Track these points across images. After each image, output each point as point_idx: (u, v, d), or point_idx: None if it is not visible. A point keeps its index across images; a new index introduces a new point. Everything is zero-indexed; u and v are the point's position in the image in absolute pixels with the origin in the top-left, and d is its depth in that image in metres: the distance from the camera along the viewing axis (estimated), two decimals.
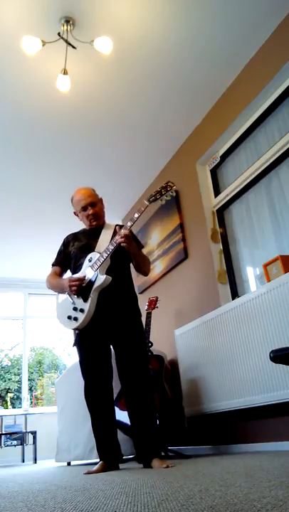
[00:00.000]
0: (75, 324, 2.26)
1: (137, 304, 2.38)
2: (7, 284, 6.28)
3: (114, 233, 2.34)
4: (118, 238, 2.17)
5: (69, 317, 2.30)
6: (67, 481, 1.67)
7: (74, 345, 2.40)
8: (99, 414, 2.24)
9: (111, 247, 2.21)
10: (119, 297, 2.30)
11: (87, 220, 2.46)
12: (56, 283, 2.44)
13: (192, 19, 2.60)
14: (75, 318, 2.26)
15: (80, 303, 2.27)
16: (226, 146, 3.29)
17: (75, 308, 2.28)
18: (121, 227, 2.39)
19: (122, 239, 2.15)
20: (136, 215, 2.15)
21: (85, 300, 2.25)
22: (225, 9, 2.55)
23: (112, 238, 2.32)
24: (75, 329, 2.31)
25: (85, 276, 2.28)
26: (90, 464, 2.69)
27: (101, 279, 2.22)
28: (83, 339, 2.32)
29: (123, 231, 2.18)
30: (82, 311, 2.25)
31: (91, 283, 2.25)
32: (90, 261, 2.31)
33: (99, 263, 2.23)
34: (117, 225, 2.47)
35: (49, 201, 4.43)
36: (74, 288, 2.26)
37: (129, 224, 2.19)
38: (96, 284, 2.23)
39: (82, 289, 2.27)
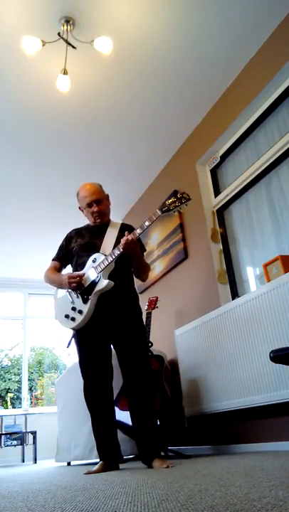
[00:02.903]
0: (73, 324, 2.26)
1: (137, 302, 2.36)
2: (7, 284, 6.27)
3: (120, 233, 2.31)
4: (124, 244, 2.14)
5: (66, 316, 2.29)
6: (67, 481, 1.67)
7: (68, 346, 2.38)
8: (99, 414, 2.23)
9: (117, 252, 2.18)
10: (120, 297, 2.28)
11: (91, 217, 2.43)
12: (55, 278, 2.42)
13: (192, 19, 2.60)
14: (73, 319, 2.26)
15: (79, 303, 2.26)
16: (226, 146, 3.29)
17: (73, 308, 2.28)
18: (128, 227, 2.37)
19: (128, 244, 2.13)
20: (146, 223, 2.13)
21: (85, 301, 2.24)
22: (225, 9, 2.55)
23: (117, 239, 2.29)
24: (72, 329, 2.31)
25: (84, 274, 2.27)
26: (90, 464, 2.69)
27: (104, 283, 2.19)
28: (83, 339, 2.31)
29: (131, 236, 2.15)
30: (80, 312, 2.24)
31: (93, 285, 2.24)
32: (94, 261, 2.28)
33: (103, 266, 2.20)
34: (123, 224, 2.44)
35: (49, 201, 4.43)
36: (73, 285, 2.26)
37: (138, 231, 2.17)
38: (98, 288, 2.21)
39: (82, 289, 2.26)
